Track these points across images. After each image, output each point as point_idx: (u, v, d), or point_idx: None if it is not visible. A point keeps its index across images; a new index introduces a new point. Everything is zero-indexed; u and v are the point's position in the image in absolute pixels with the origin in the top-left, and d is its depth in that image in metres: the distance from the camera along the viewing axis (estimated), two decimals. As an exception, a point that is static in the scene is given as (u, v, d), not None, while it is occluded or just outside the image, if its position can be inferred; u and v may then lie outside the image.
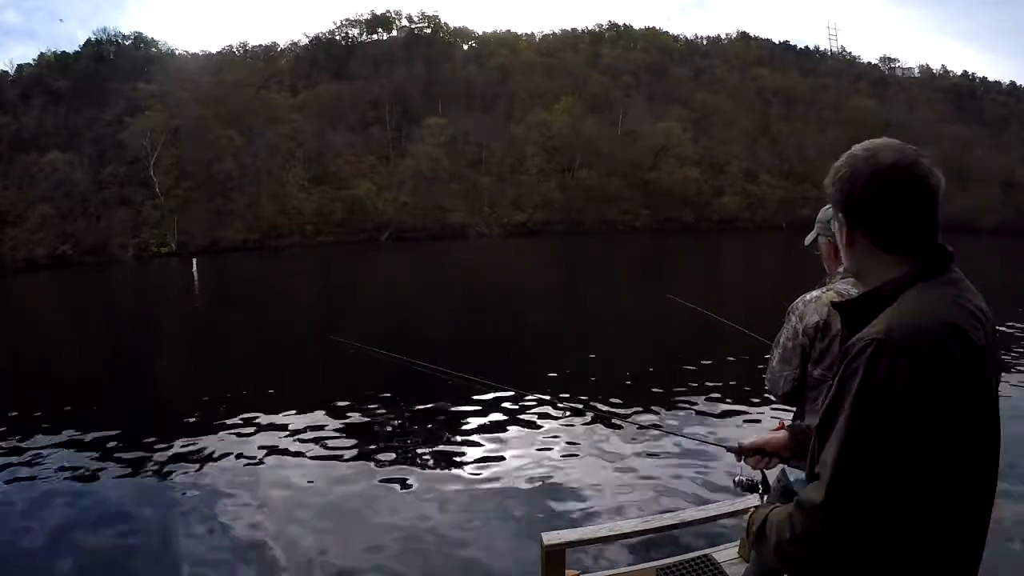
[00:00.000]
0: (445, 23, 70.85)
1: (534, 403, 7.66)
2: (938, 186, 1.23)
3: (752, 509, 1.36)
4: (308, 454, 6.30)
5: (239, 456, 6.26)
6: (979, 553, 1.21)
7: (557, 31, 78.39)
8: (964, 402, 1.11)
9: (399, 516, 4.93)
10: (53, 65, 56.30)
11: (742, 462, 1.70)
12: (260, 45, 68.84)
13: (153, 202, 47.57)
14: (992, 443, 1.19)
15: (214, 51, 65.71)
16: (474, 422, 7.14)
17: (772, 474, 1.68)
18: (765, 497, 1.63)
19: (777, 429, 1.83)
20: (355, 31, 68.87)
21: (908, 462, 1.08)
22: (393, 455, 6.22)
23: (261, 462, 6.12)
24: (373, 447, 6.44)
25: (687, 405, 7.48)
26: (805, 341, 2.01)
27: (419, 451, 6.33)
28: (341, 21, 71.09)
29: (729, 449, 1.75)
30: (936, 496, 1.11)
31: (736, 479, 1.61)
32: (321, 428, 7.02)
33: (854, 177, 1.22)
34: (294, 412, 7.64)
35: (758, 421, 6.49)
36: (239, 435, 6.87)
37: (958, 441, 1.11)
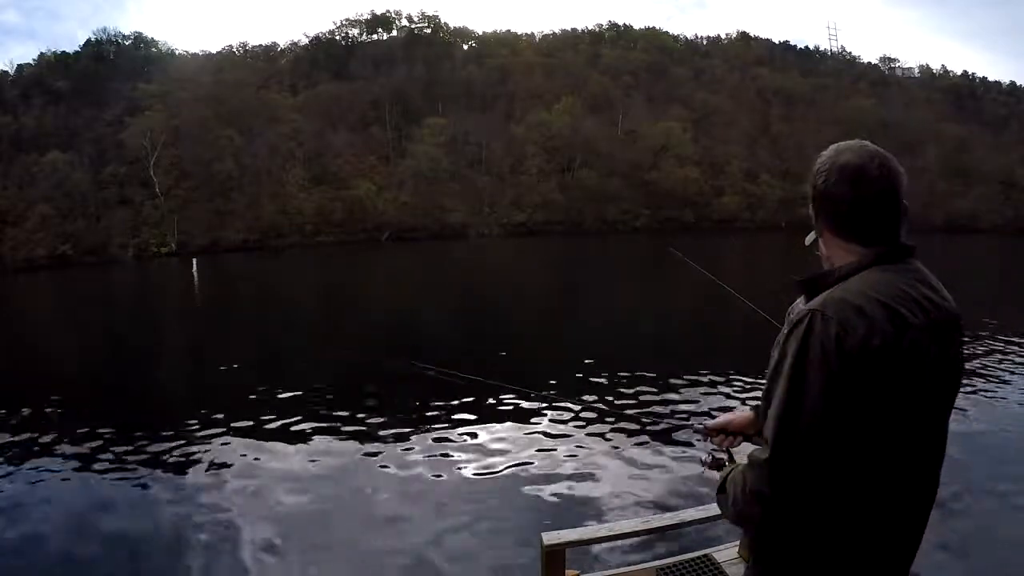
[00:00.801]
0: (445, 23, 70.98)
1: (534, 402, 7.66)
2: (895, 183, 1.32)
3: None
4: (308, 454, 6.30)
5: (238, 456, 6.26)
6: (920, 526, 1.34)
7: (557, 31, 78.54)
8: (892, 375, 1.22)
9: (399, 516, 4.93)
10: (53, 65, 56.35)
11: (708, 442, 1.77)
12: (260, 45, 68.99)
13: (153, 202, 47.60)
14: (927, 420, 1.30)
15: (214, 51, 65.86)
16: (474, 422, 7.14)
17: (739, 453, 1.71)
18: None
19: None
20: (355, 31, 68.98)
21: (840, 422, 1.20)
22: (393, 455, 6.22)
23: (260, 462, 6.12)
24: (373, 447, 6.44)
25: (688, 404, 7.48)
26: None
27: (419, 451, 6.33)
28: (341, 21, 71.27)
29: (696, 431, 1.81)
30: (866, 460, 1.23)
31: (703, 459, 1.66)
32: (321, 428, 7.02)
33: (819, 173, 1.37)
34: (294, 412, 7.63)
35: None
36: (238, 435, 6.87)
37: (886, 409, 1.22)
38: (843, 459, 1.22)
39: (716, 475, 1.57)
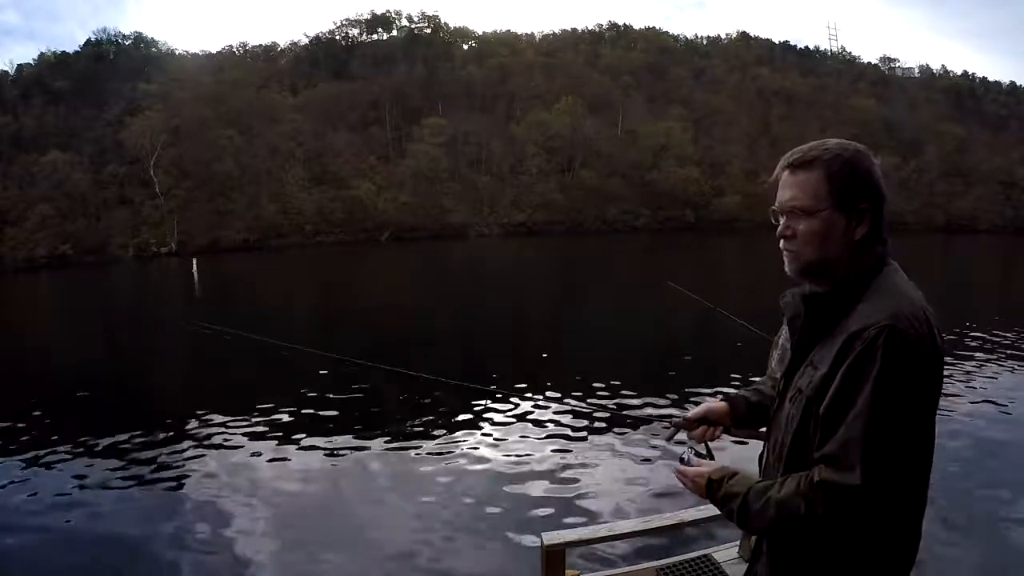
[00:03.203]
0: (445, 23, 70.93)
1: (534, 403, 7.66)
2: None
3: (700, 471, 1.45)
4: (307, 454, 6.30)
5: (237, 456, 6.26)
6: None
7: (557, 31, 78.53)
8: (941, 380, 1.25)
9: (399, 516, 4.93)
10: (53, 65, 56.34)
11: (684, 436, 1.71)
12: (260, 45, 68.92)
13: (153, 202, 47.59)
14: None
15: (214, 51, 65.81)
16: (474, 422, 7.14)
17: (716, 449, 1.65)
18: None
19: None
20: (355, 31, 68.93)
21: (918, 439, 1.20)
22: (392, 455, 6.22)
23: (260, 463, 6.12)
24: (373, 447, 6.44)
25: (688, 404, 7.48)
26: None
27: (419, 451, 6.33)
28: (341, 21, 71.21)
29: (674, 424, 1.74)
30: (923, 471, 1.24)
31: (683, 457, 1.56)
32: (321, 428, 7.02)
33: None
34: (293, 412, 7.64)
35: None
36: (238, 435, 6.87)
37: (933, 416, 1.24)
38: (914, 471, 1.22)
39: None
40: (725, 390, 8.01)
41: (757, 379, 1.84)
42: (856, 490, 1.15)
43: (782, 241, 1.36)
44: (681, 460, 1.54)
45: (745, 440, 1.91)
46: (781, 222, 1.35)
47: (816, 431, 1.23)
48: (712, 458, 1.55)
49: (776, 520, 1.24)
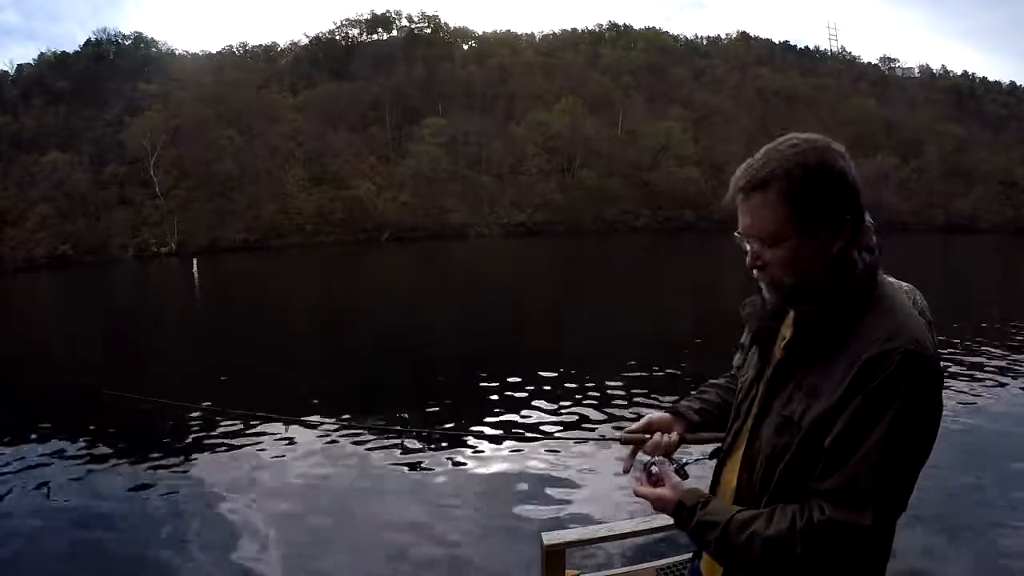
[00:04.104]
0: (445, 23, 70.90)
1: (534, 403, 7.66)
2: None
3: (663, 493, 1.29)
4: (307, 454, 6.29)
5: (237, 457, 6.26)
6: None
7: (557, 31, 78.47)
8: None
9: (399, 517, 4.93)
10: (53, 65, 56.32)
11: (632, 451, 1.53)
12: (260, 45, 68.86)
13: (153, 202, 47.57)
14: None
15: (214, 51, 65.72)
16: (474, 422, 7.14)
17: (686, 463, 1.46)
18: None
19: None
20: (355, 31, 68.91)
21: (920, 465, 1.11)
22: (392, 456, 6.22)
23: (260, 463, 6.12)
24: (372, 448, 6.44)
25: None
26: None
27: (419, 452, 6.33)
28: (341, 21, 71.08)
29: (623, 441, 1.55)
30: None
31: (648, 472, 1.38)
32: (320, 428, 7.01)
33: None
34: (293, 412, 7.63)
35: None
36: (237, 436, 6.87)
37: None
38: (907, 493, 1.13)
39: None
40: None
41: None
42: (866, 530, 1.06)
43: (754, 271, 1.21)
44: (649, 474, 1.37)
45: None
46: (747, 249, 1.19)
47: (815, 462, 1.11)
48: (685, 475, 1.38)
49: (763, 558, 1.12)
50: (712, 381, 1.65)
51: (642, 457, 1.51)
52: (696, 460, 1.51)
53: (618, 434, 1.56)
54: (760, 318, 1.31)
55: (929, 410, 1.08)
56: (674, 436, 1.51)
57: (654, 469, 1.38)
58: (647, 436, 1.53)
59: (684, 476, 1.37)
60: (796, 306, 1.23)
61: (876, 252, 1.20)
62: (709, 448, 1.50)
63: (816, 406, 1.12)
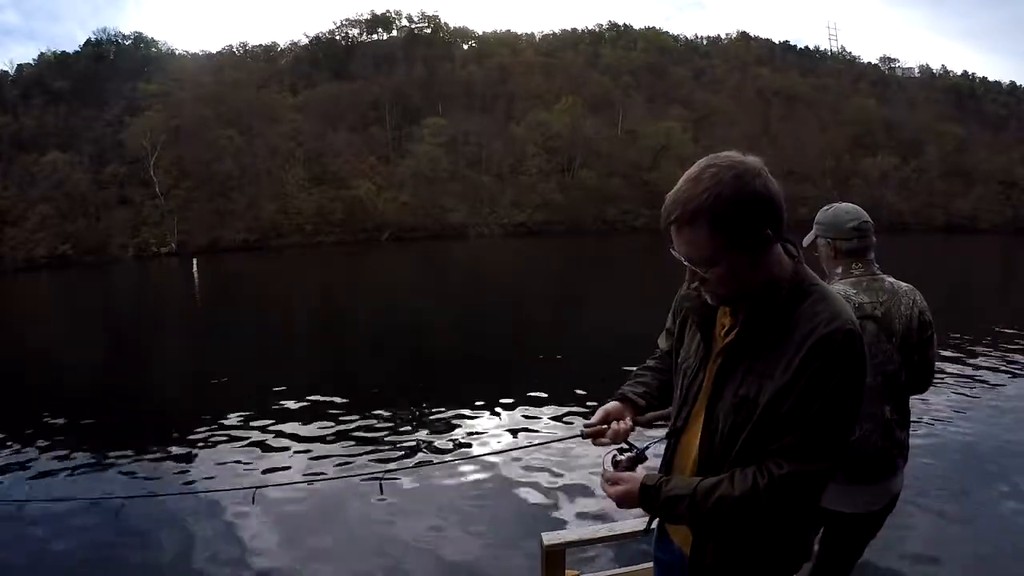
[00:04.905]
0: (445, 23, 71.00)
1: (534, 403, 7.66)
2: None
3: (629, 484, 1.42)
4: (306, 454, 6.29)
5: (236, 457, 6.25)
6: None
7: (557, 31, 78.60)
8: None
9: (398, 516, 4.93)
10: (53, 65, 56.39)
11: (599, 443, 1.59)
12: (260, 45, 68.95)
13: (153, 202, 47.62)
14: None
15: (214, 51, 65.86)
16: (474, 422, 7.14)
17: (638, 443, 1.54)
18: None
19: None
20: (355, 31, 68.99)
21: (856, 413, 1.33)
22: (392, 455, 6.22)
23: (259, 463, 6.12)
24: (372, 447, 6.44)
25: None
26: None
27: (418, 451, 6.33)
28: (341, 21, 71.31)
29: (585, 435, 1.64)
30: None
31: (615, 460, 1.47)
32: (320, 428, 7.02)
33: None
34: (293, 412, 7.64)
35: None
36: (237, 436, 6.87)
37: None
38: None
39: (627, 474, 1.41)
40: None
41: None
42: (825, 473, 1.28)
43: (691, 286, 1.39)
44: (616, 464, 1.47)
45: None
46: (686, 266, 1.34)
47: (771, 431, 1.28)
48: (645, 458, 1.50)
49: (733, 515, 1.30)
50: (645, 365, 1.80)
51: (600, 450, 1.58)
52: (655, 443, 1.57)
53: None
54: (700, 311, 1.44)
55: (861, 373, 1.28)
56: (628, 422, 1.63)
57: (620, 457, 1.48)
58: (606, 427, 1.62)
59: (644, 459, 1.49)
60: (735, 304, 1.37)
61: (795, 249, 1.38)
62: (658, 432, 1.60)
63: (770, 385, 1.28)
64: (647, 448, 1.52)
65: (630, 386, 1.71)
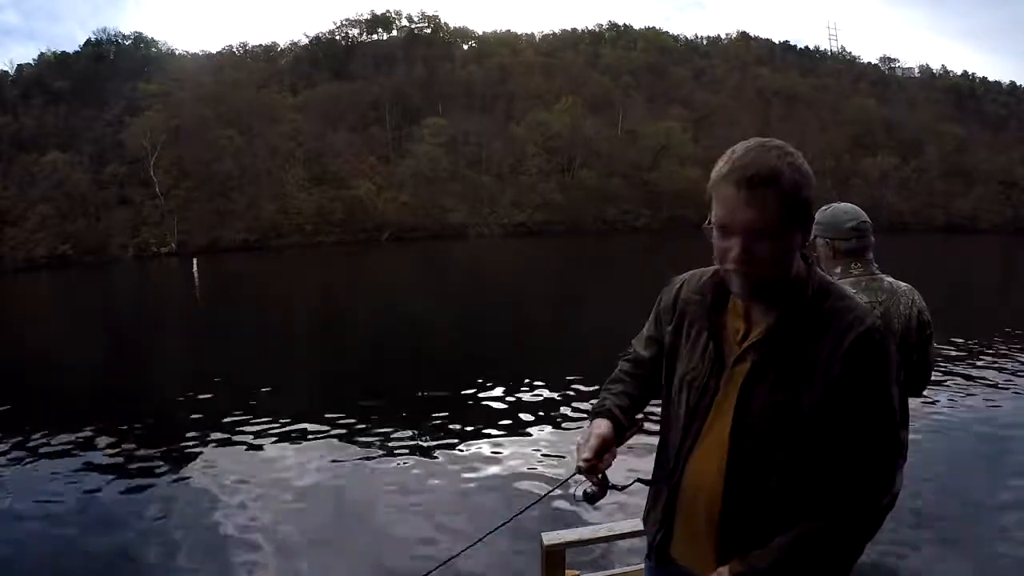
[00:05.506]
0: (445, 23, 71.04)
1: (534, 403, 7.66)
2: None
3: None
4: (306, 454, 6.29)
5: (236, 457, 6.25)
6: None
7: (557, 31, 78.70)
8: None
9: (397, 516, 4.93)
10: (53, 65, 56.38)
11: (584, 476, 1.35)
12: (260, 45, 69.00)
13: (153, 202, 47.62)
14: None
15: (214, 51, 65.92)
16: (473, 421, 7.13)
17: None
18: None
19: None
20: (355, 31, 69.02)
21: None
22: (392, 455, 6.22)
23: (259, 463, 6.11)
24: (372, 447, 6.44)
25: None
26: None
27: (418, 451, 6.33)
28: (341, 21, 71.32)
29: (586, 471, 1.34)
30: None
31: (586, 492, 1.32)
32: (320, 428, 7.02)
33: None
34: (293, 412, 7.63)
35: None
36: (237, 436, 6.87)
37: None
38: None
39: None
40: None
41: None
42: (898, 467, 1.33)
43: (734, 264, 1.21)
44: (589, 496, 1.32)
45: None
46: (734, 243, 1.20)
47: (821, 438, 1.20)
48: (622, 489, 1.37)
49: (839, 554, 1.25)
50: (623, 370, 1.63)
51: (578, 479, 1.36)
52: (634, 482, 1.44)
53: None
54: (708, 315, 1.35)
55: (897, 367, 1.28)
56: (615, 449, 1.41)
57: (589, 490, 1.33)
58: (604, 456, 1.37)
59: (609, 486, 1.35)
60: (762, 299, 1.27)
61: (809, 250, 1.34)
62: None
63: (812, 389, 1.20)
64: (625, 488, 1.39)
65: (614, 398, 1.52)
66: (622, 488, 1.38)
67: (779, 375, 1.23)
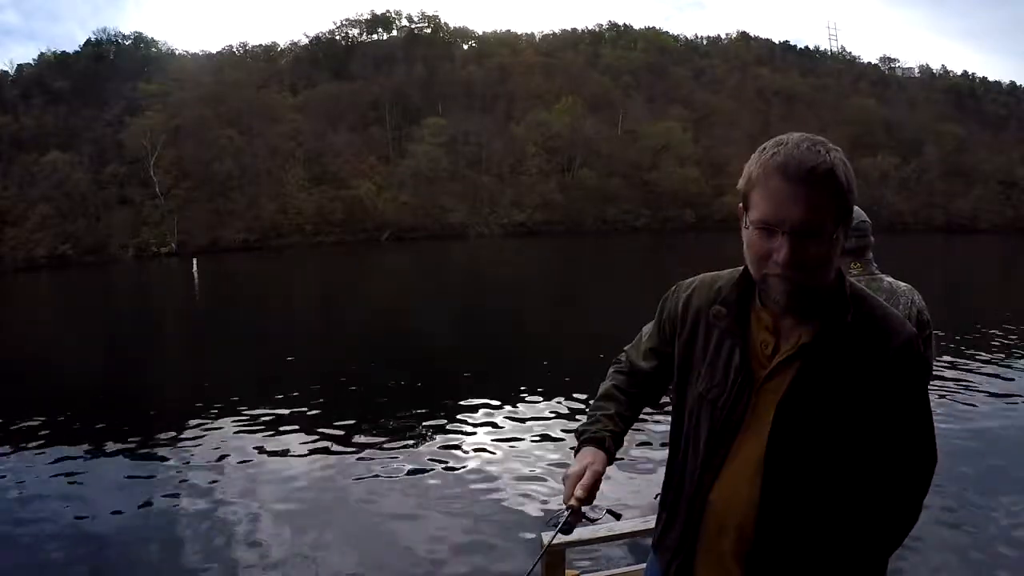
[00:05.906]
0: (445, 23, 70.98)
1: (534, 403, 7.67)
2: None
3: None
4: (306, 455, 6.29)
5: (236, 457, 6.25)
6: None
7: (557, 31, 78.56)
8: None
9: (398, 516, 4.93)
10: (53, 65, 56.37)
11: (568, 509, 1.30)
12: (260, 45, 68.82)
13: (153, 202, 47.61)
14: None
15: (214, 51, 65.80)
16: (474, 422, 7.14)
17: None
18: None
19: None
20: (355, 31, 68.93)
21: None
22: (392, 455, 6.22)
23: (259, 463, 6.12)
24: (372, 447, 6.44)
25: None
26: None
27: (418, 451, 6.33)
28: (341, 21, 71.23)
29: (581, 502, 1.31)
30: None
31: (567, 522, 1.28)
32: (320, 429, 7.02)
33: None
34: (292, 412, 7.64)
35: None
36: (237, 436, 6.87)
37: None
38: None
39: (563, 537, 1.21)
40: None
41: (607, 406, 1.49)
42: (935, 463, 1.26)
43: (782, 268, 1.11)
44: (567, 527, 1.28)
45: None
46: (782, 243, 1.10)
47: (867, 446, 1.16)
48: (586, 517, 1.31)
49: (892, 545, 1.26)
50: (615, 386, 1.51)
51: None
52: (604, 514, 1.38)
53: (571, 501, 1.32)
54: (733, 327, 1.23)
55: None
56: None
57: (571, 519, 1.29)
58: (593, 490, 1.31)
59: (592, 521, 1.33)
60: (799, 309, 1.17)
61: None
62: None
63: (856, 404, 1.14)
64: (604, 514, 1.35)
65: (608, 422, 1.42)
66: (593, 520, 1.34)
67: (820, 391, 1.14)
